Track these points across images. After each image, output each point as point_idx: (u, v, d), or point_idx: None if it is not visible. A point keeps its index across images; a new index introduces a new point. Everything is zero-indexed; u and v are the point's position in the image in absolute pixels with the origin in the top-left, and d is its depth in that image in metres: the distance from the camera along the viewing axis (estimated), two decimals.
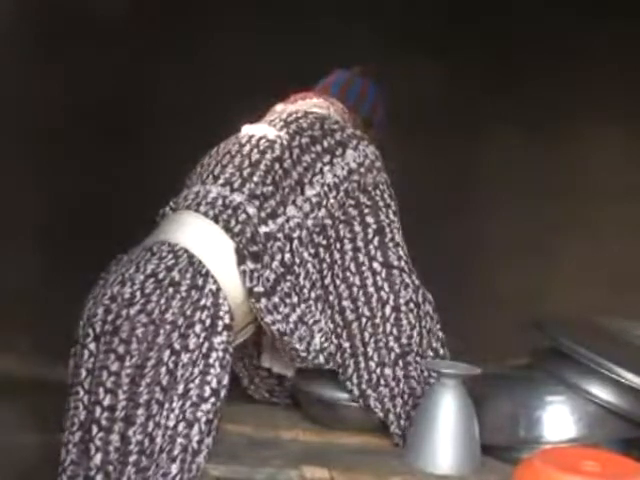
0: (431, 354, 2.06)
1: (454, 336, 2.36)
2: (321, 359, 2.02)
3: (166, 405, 1.82)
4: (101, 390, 1.82)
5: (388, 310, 2.04)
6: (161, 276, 1.88)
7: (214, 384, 1.84)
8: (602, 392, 1.94)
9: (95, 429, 1.81)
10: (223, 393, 1.85)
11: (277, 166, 2.01)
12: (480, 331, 2.85)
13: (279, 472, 1.88)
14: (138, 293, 1.87)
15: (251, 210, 1.95)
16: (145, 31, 3.02)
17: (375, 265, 2.05)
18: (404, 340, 2.04)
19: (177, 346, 1.83)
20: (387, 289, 2.05)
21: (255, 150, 2.04)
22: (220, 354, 1.85)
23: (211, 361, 1.85)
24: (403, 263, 2.07)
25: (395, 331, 2.04)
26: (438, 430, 1.92)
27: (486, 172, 3.31)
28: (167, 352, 1.82)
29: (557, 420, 1.97)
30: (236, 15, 3.08)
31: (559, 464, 1.65)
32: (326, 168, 2.03)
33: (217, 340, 1.85)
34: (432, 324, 2.09)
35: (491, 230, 3.26)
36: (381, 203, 2.08)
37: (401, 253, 2.08)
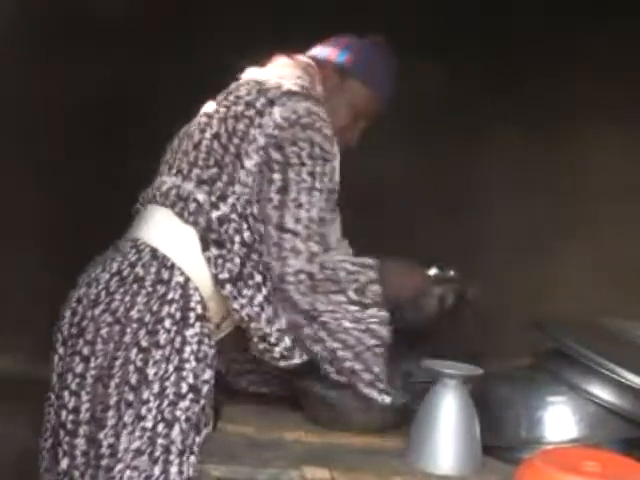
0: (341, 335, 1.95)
1: (456, 337, 2.40)
2: (287, 341, 1.94)
3: (142, 406, 1.77)
4: (66, 393, 1.80)
5: (276, 280, 1.91)
6: (125, 273, 1.86)
7: (191, 379, 1.79)
8: (603, 392, 1.94)
9: (62, 433, 1.79)
10: (206, 388, 1.80)
11: (216, 144, 1.94)
12: (482, 332, 2.74)
13: (281, 473, 1.87)
14: (103, 293, 1.84)
15: (201, 197, 1.90)
16: (145, 31, 3.02)
17: (269, 227, 1.91)
18: (304, 307, 1.92)
19: (145, 343, 1.79)
20: (275, 255, 1.90)
21: (197, 130, 1.99)
22: (194, 347, 1.81)
23: (185, 355, 1.80)
24: (301, 227, 1.89)
25: (289, 304, 1.91)
26: (439, 430, 1.91)
27: (486, 172, 3.30)
28: (134, 350, 1.79)
29: (558, 420, 1.96)
30: (236, 15, 3.07)
31: (560, 464, 1.64)
32: (257, 132, 1.92)
33: (190, 333, 1.81)
34: (342, 298, 1.92)
35: (491, 230, 3.26)
36: (294, 160, 1.91)
37: (302, 215, 1.90)
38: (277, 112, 1.91)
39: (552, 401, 1.97)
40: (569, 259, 3.25)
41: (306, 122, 1.91)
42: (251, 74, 2.09)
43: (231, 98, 1.99)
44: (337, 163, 1.99)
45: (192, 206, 1.89)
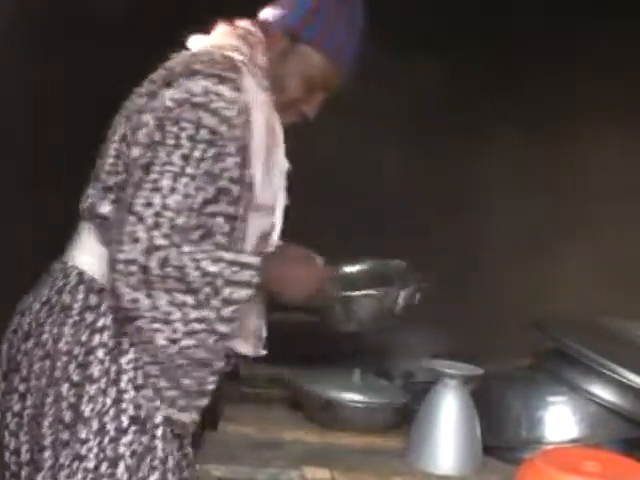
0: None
1: (456, 337, 2.40)
2: None
3: (81, 446, 1.63)
4: (6, 433, 1.71)
5: (109, 267, 1.68)
6: (53, 301, 1.71)
7: (131, 411, 1.65)
8: (604, 392, 1.94)
9: (7, 475, 1.70)
10: (152, 421, 1.65)
11: (124, 147, 1.74)
12: (481, 332, 2.82)
13: (281, 473, 1.87)
14: (33, 323, 1.72)
15: (106, 209, 1.72)
16: (145, 31, 3.02)
17: (121, 207, 1.69)
18: (124, 304, 1.65)
19: (76, 378, 1.65)
20: (114, 237, 1.67)
21: (112, 129, 1.79)
22: (131, 374, 1.66)
23: (123, 385, 1.65)
24: (149, 213, 1.63)
25: (112, 296, 1.67)
26: (440, 430, 1.91)
27: (486, 172, 3.31)
28: (66, 386, 1.65)
29: (559, 420, 1.96)
30: (236, 15, 3.07)
31: (561, 464, 1.65)
32: (150, 117, 1.71)
33: (125, 360, 1.66)
34: (190, 300, 1.66)
35: (491, 230, 3.25)
36: (170, 141, 1.67)
37: (155, 201, 1.63)
38: (169, 94, 1.70)
39: (552, 401, 1.98)
40: (569, 259, 3.26)
41: (198, 101, 1.69)
42: (193, 43, 1.89)
43: (147, 81, 1.80)
44: (255, 151, 1.75)
45: (96, 221, 1.74)
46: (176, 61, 1.79)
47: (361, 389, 2.11)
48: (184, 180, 1.66)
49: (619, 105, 3.14)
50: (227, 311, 1.67)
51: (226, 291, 1.67)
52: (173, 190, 1.65)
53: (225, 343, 1.70)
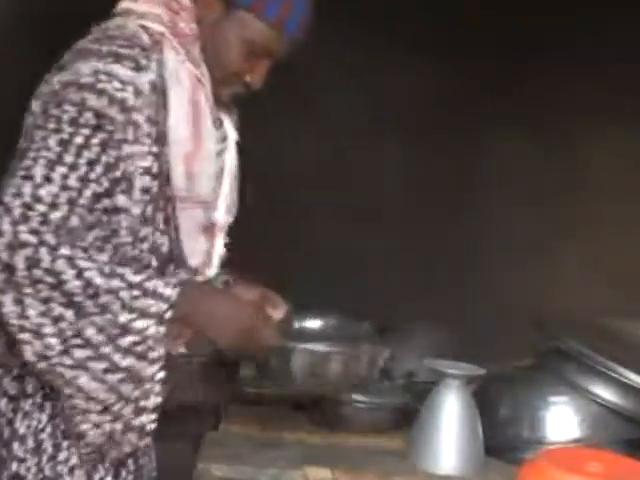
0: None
1: (458, 337, 2.38)
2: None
3: (19, 465, 1.53)
4: None
5: None
6: None
7: (64, 425, 1.53)
8: (605, 392, 1.94)
9: None
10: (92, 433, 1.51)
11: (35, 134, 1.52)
12: (482, 332, 2.81)
13: (283, 473, 1.87)
14: None
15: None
16: None
17: None
18: None
19: (12, 391, 1.55)
20: None
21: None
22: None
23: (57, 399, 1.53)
24: (17, 203, 1.42)
25: None
26: (441, 431, 1.91)
27: (486, 172, 3.30)
28: (4, 400, 1.55)
29: (560, 421, 1.96)
30: None
31: (562, 464, 1.63)
32: (37, 103, 1.55)
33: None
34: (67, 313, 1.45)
35: (491, 230, 3.25)
36: (51, 125, 1.48)
37: (26, 190, 1.43)
38: (58, 77, 1.53)
39: (554, 401, 1.98)
40: (569, 259, 3.25)
41: (85, 82, 1.50)
42: (119, 10, 1.69)
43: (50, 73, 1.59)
44: (173, 136, 1.57)
45: None
46: (82, 40, 1.60)
47: (362, 389, 2.09)
48: (61, 169, 1.45)
49: (619, 104, 3.13)
50: (125, 341, 1.46)
51: (123, 316, 1.45)
52: (47, 179, 1.45)
53: (126, 379, 1.47)
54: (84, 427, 1.51)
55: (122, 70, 1.52)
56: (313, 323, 2.08)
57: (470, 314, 2.99)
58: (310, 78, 3.16)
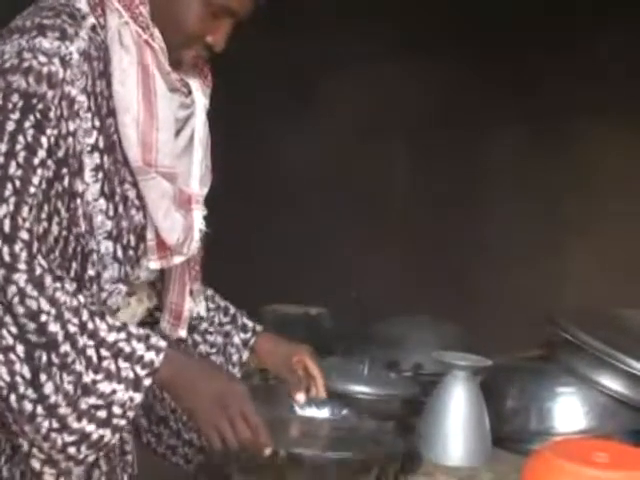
0: None
1: (465, 329, 2.42)
2: None
3: None
4: None
5: None
6: None
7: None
8: (613, 383, 1.95)
9: None
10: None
11: None
12: (490, 324, 2.83)
13: None
14: None
15: None
16: None
17: None
18: None
19: None
20: None
21: None
22: None
23: None
24: None
25: None
26: (449, 422, 1.92)
27: (494, 166, 3.31)
28: None
29: (568, 411, 1.97)
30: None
31: (570, 455, 1.61)
32: None
33: None
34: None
35: (501, 225, 3.29)
36: None
37: None
38: None
39: (561, 392, 1.98)
40: (580, 254, 3.29)
41: (9, 65, 1.40)
42: None
43: None
44: (120, 103, 1.48)
45: None
46: (15, 19, 1.51)
47: (369, 381, 2.09)
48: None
49: (623, 101, 3.17)
50: (85, 401, 1.35)
51: (87, 376, 1.34)
52: None
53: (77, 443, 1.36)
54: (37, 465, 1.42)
55: (46, 42, 1.41)
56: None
57: (479, 307, 3.06)
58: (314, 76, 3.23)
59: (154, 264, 1.56)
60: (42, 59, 1.40)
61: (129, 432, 1.61)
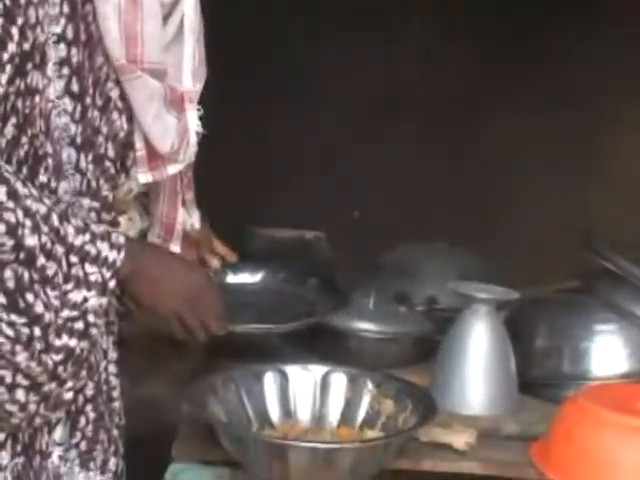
0: None
1: (489, 257, 2.35)
2: None
3: None
4: None
5: None
6: None
7: None
8: None
9: None
10: None
11: None
12: (518, 252, 2.84)
13: None
14: None
15: None
16: None
17: None
18: None
19: None
20: None
21: None
22: None
23: None
24: None
25: None
26: (468, 364, 1.87)
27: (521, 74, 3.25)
28: None
29: (607, 353, 1.92)
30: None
31: (608, 403, 1.60)
32: None
33: None
34: None
35: (530, 136, 3.22)
36: None
37: None
38: None
39: (600, 330, 1.93)
40: (615, 176, 3.24)
41: None
42: None
43: None
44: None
45: None
46: None
47: (376, 317, 2.06)
48: None
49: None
50: (59, 316, 1.38)
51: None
52: None
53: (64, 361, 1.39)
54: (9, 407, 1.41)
55: None
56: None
57: (501, 233, 3.02)
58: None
59: (144, 177, 1.53)
60: None
61: (117, 377, 1.62)
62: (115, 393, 1.62)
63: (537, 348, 1.97)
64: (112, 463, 1.60)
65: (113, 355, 1.59)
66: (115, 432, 1.62)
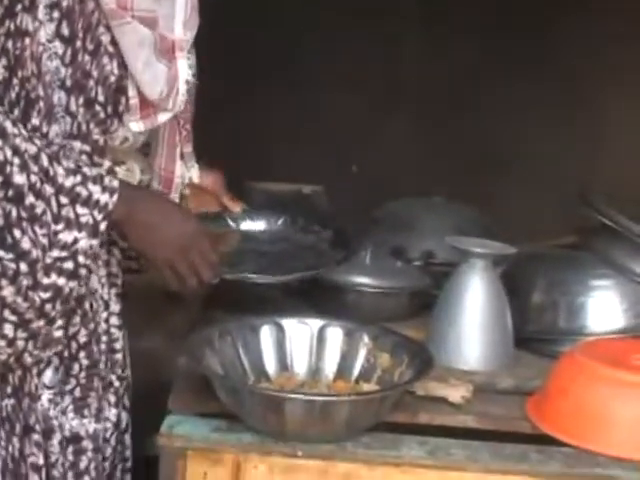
0: None
1: (486, 212, 2.36)
2: None
3: None
4: None
5: None
6: None
7: None
8: None
9: None
10: None
11: None
12: (514, 207, 2.87)
13: None
14: None
15: None
16: None
17: None
18: None
19: None
20: None
21: None
22: None
23: None
24: None
25: None
26: (464, 319, 1.87)
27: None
28: None
29: (603, 308, 1.93)
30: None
31: (605, 358, 1.61)
32: None
33: None
34: None
35: (528, 89, 3.25)
36: None
37: None
38: None
39: (597, 285, 1.94)
40: (614, 126, 3.27)
41: None
42: None
43: None
44: None
45: None
46: None
47: (371, 271, 2.06)
48: None
49: None
50: (49, 255, 1.40)
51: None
52: None
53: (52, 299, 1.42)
54: None
55: None
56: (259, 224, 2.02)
57: (498, 187, 3.04)
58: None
59: (136, 125, 1.54)
60: None
61: (119, 328, 1.63)
62: (117, 345, 1.63)
63: (533, 303, 1.97)
64: (112, 414, 1.62)
65: (115, 307, 1.61)
66: (117, 383, 1.63)
